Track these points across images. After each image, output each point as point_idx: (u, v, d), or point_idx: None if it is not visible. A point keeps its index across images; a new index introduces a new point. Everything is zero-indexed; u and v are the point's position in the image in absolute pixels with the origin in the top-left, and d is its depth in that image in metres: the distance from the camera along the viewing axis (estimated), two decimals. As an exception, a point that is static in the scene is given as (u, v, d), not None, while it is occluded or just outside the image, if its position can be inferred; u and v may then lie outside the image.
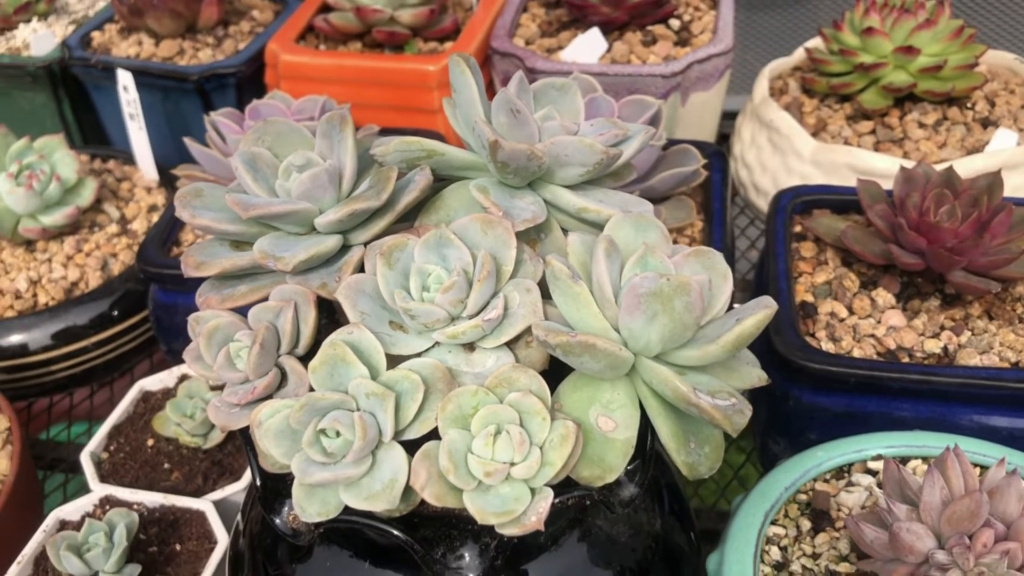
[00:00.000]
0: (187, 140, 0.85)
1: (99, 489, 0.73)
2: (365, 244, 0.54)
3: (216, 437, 0.77)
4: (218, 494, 0.73)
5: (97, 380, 0.94)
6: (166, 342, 0.88)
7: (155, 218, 0.99)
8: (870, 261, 0.73)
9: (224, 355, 0.51)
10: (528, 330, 0.49)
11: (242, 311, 0.54)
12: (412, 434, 0.47)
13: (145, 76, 1.04)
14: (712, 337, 0.49)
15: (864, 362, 0.67)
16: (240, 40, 1.11)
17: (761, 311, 0.49)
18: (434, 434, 0.47)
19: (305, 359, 0.52)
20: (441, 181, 0.59)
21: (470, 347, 0.50)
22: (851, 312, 0.73)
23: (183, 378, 0.84)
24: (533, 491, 0.45)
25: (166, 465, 0.77)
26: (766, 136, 0.96)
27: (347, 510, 0.47)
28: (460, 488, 0.44)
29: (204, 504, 0.71)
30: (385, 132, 0.92)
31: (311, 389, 0.48)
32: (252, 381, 0.50)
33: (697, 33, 1.00)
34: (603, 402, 0.50)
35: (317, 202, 0.54)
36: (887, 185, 0.83)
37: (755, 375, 0.53)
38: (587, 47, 0.97)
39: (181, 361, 0.88)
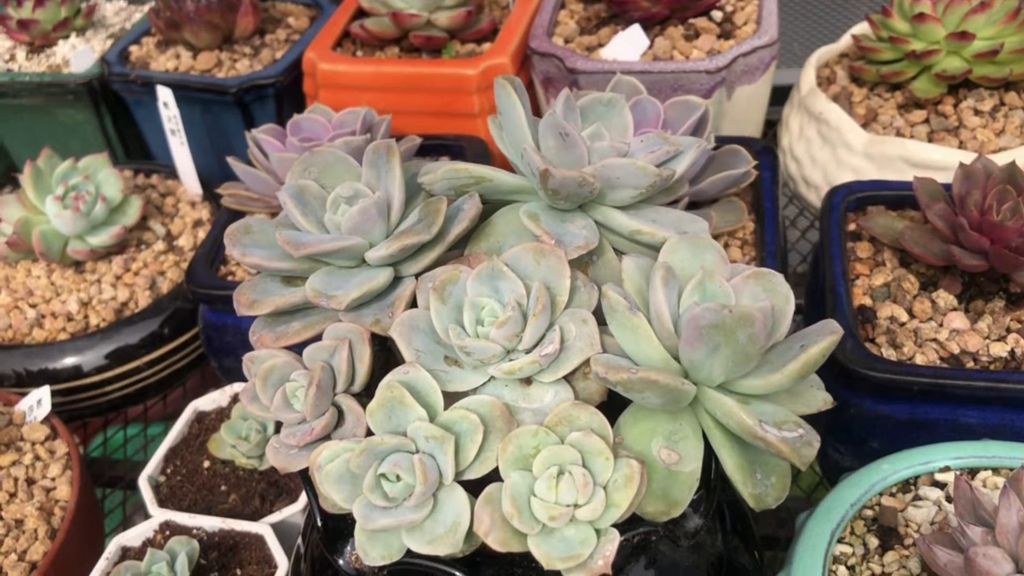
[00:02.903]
0: (230, 160, 0.85)
1: (158, 514, 0.74)
2: (416, 276, 0.54)
3: (271, 458, 0.77)
4: (276, 516, 0.73)
5: (150, 399, 0.95)
6: (217, 360, 0.89)
7: (200, 233, 0.99)
8: (930, 263, 0.71)
9: (281, 396, 0.50)
10: (586, 361, 0.49)
11: (295, 348, 0.54)
12: (473, 474, 0.46)
13: (184, 90, 1.04)
14: (777, 365, 0.48)
15: (928, 369, 0.66)
16: (277, 49, 1.11)
17: (826, 337, 0.48)
18: (495, 472, 0.47)
19: (360, 396, 0.52)
20: (488, 203, 0.58)
21: (527, 381, 0.49)
22: (911, 315, 0.71)
23: (236, 398, 0.84)
24: (599, 532, 0.44)
25: (223, 487, 0.77)
26: (815, 129, 0.94)
27: (410, 552, 0.46)
28: (524, 533, 0.44)
29: (263, 528, 0.71)
30: (427, 140, 0.92)
31: (369, 430, 0.48)
32: (309, 422, 0.50)
33: (740, 24, 0.98)
34: (665, 434, 0.49)
35: (367, 235, 0.53)
36: (944, 177, 0.80)
37: (820, 398, 0.52)
38: (628, 44, 0.95)
39: (233, 379, 0.88)
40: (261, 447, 0.76)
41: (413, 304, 0.53)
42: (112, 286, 0.93)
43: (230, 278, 0.85)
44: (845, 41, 1.02)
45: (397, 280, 0.54)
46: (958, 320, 0.70)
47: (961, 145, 0.87)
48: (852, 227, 0.81)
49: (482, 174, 0.55)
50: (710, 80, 0.92)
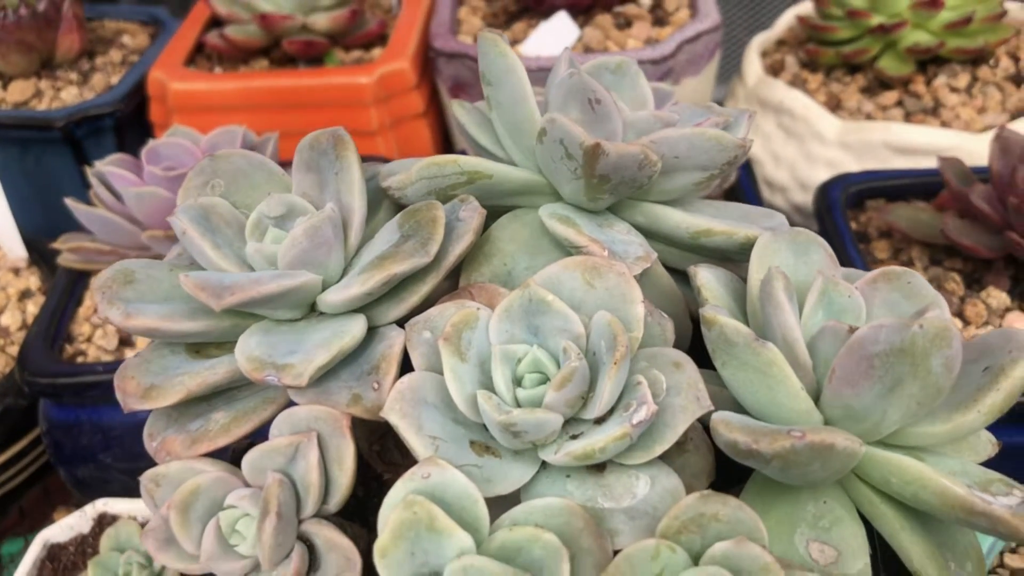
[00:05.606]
0: (70, 202, 0.64)
1: None
2: (399, 323, 0.36)
3: (164, 600, 0.56)
4: None
5: (-22, 529, 0.71)
6: (69, 470, 0.67)
7: (31, 307, 0.76)
8: (982, 256, 0.59)
9: (214, 534, 0.31)
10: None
11: (216, 454, 0.35)
12: (556, 628, 0.29)
13: (-6, 128, 0.82)
14: (961, 400, 0.33)
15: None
16: (112, 72, 0.90)
17: (1022, 353, 0.33)
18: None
19: (334, 518, 0.33)
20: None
21: (598, 467, 0.32)
22: (965, 321, 0.59)
23: (102, 521, 0.62)
24: None
25: (97, 649, 0.55)
26: (774, 121, 0.81)
27: None
28: None
29: None
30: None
31: (367, 570, 0.30)
32: (267, 572, 0.31)
33: (672, 11, 0.85)
34: (809, 520, 0.33)
35: (320, 268, 0.35)
36: (930, 163, 0.70)
37: (984, 440, 0.37)
38: (554, 36, 0.80)
39: (91, 494, 0.66)
40: (148, 587, 0.55)
41: (404, 363, 0.35)
42: (-87, 386, 0.69)
43: (80, 359, 0.64)
44: (781, 26, 0.91)
45: (372, 331, 0.35)
46: (1020, 321, 0.58)
47: (944, 125, 0.77)
48: (854, 225, 0.68)
49: (477, 168, 0.38)
50: (655, 71, 0.78)
